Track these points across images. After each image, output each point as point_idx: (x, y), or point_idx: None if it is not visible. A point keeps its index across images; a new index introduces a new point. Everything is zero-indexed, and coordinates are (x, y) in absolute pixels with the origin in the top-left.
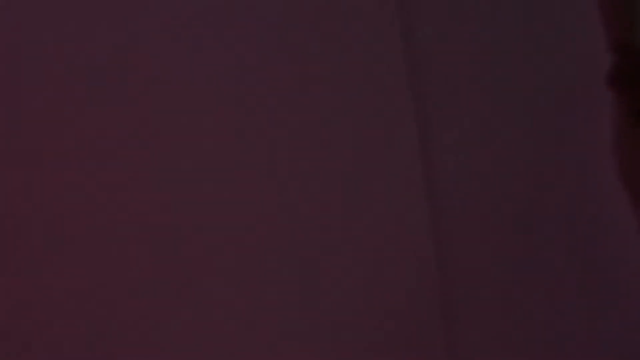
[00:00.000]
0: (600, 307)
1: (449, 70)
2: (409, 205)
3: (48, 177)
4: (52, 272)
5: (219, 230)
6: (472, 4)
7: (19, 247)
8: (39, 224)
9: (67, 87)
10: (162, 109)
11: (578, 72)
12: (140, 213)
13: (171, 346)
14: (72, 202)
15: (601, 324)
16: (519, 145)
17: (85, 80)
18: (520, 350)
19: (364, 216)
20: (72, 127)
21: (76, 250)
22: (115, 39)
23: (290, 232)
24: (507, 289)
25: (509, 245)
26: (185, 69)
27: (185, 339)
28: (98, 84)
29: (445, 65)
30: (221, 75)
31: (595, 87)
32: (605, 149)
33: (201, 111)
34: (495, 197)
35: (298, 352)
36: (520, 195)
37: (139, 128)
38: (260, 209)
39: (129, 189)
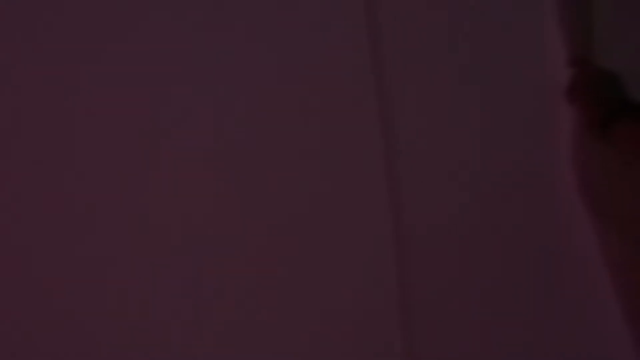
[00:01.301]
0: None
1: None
2: (371, 214)
3: (48, 177)
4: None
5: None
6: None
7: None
8: (39, 224)
9: (67, 87)
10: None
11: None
12: (139, 213)
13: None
14: (71, 202)
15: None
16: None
17: (86, 80)
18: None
19: (329, 222)
20: (73, 126)
21: (76, 249)
22: (116, 39)
23: (266, 245)
24: (466, 296)
25: (469, 254)
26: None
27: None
28: (98, 84)
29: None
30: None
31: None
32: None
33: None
34: (455, 208)
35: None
36: (479, 208)
37: (138, 128)
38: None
39: (129, 188)
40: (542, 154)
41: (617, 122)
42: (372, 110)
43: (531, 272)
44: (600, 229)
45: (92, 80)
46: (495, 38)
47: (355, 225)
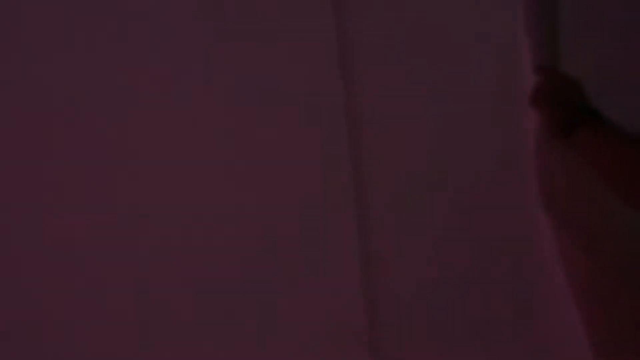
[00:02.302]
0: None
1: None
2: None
3: (48, 176)
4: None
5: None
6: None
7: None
8: (40, 225)
9: (67, 88)
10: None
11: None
12: (138, 212)
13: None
14: (72, 202)
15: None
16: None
17: (86, 81)
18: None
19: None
20: (73, 127)
21: (77, 249)
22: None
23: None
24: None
25: (435, 248)
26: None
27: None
28: (99, 84)
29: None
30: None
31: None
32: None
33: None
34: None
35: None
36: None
37: (137, 128)
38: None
39: (128, 188)
40: (510, 157)
41: (578, 128)
42: (339, 107)
43: (501, 272)
44: (557, 232)
45: (89, 80)
46: (465, 45)
47: (323, 227)
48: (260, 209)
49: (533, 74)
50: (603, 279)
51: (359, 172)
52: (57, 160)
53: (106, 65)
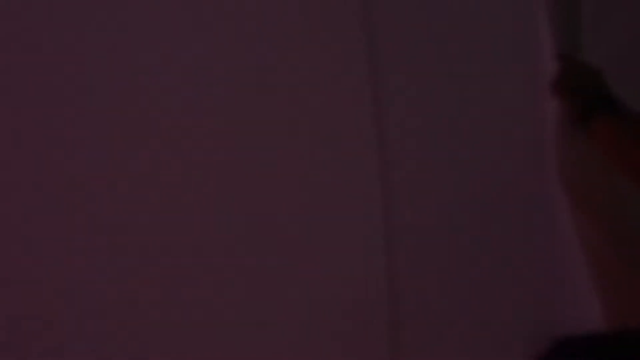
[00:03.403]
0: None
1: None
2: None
3: (48, 177)
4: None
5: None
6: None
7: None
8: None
9: (68, 88)
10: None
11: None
12: (138, 212)
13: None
14: (72, 202)
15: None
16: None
17: (86, 81)
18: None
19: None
20: (74, 127)
21: (76, 249)
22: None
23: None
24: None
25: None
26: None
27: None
28: (98, 84)
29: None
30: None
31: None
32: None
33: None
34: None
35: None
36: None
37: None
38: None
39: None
40: (532, 148)
41: (598, 117)
42: (366, 103)
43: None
44: (579, 223)
45: (86, 81)
46: (486, 33)
47: (347, 222)
48: (282, 210)
49: (554, 62)
50: (623, 266)
51: (383, 171)
52: (51, 158)
53: (114, 62)
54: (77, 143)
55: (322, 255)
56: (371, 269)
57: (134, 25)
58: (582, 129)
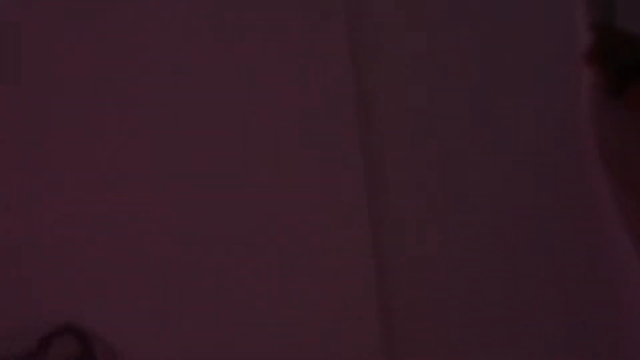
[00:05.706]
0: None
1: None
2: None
3: (49, 176)
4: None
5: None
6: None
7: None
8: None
9: (68, 88)
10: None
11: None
12: (137, 212)
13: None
14: (73, 202)
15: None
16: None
17: (86, 80)
18: None
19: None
20: (74, 126)
21: (77, 249)
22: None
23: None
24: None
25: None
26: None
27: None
28: (98, 84)
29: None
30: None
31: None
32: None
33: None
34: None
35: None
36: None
37: (138, 127)
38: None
39: (127, 187)
40: (564, 116)
41: (632, 87)
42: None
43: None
44: (616, 190)
45: (93, 80)
46: (518, 4)
47: (336, 230)
48: (275, 213)
49: (587, 32)
50: None
51: (372, 176)
52: (51, 157)
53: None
54: (77, 143)
55: (310, 257)
56: (360, 269)
57: (119, 30)
58: (618, 98)
